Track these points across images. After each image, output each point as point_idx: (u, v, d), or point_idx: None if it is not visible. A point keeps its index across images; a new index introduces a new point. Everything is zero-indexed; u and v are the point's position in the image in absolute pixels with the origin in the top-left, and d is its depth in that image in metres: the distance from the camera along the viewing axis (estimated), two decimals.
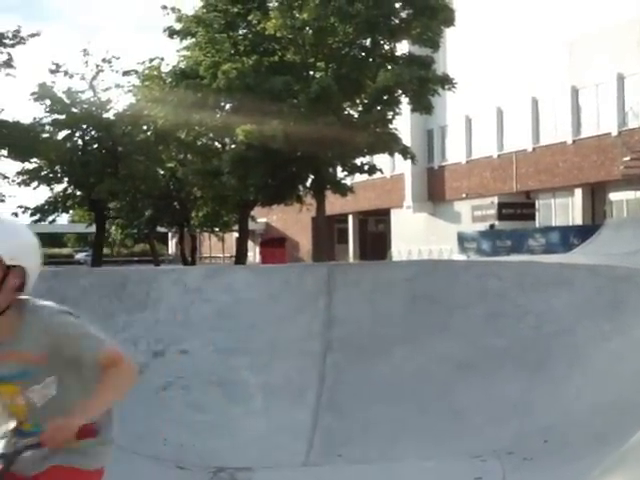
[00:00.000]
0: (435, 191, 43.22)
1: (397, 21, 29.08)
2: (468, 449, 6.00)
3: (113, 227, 42.19)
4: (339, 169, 31.96)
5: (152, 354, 7.45)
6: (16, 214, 36.29)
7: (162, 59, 35.85)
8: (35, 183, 35.01)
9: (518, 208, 37.50)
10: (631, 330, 6.70)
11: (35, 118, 33.87)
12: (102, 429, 3.02)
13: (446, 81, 29.59)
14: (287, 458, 6.23)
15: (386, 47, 30.33)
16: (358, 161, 31.16)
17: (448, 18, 28.48)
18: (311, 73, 29.84)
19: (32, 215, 35.93)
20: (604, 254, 13.98)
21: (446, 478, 5.51)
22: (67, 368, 2.88)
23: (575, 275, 7.76)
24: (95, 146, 35.61)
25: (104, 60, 35.19)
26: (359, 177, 34.16)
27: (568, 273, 7.86)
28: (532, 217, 37.14)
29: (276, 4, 29.54)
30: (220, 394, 7.07)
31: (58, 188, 36.35)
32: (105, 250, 43.93)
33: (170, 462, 6.11)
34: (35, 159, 33.22)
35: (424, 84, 28.69)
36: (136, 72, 35.86)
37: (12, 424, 2.93)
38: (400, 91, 29.02)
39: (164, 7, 30.66)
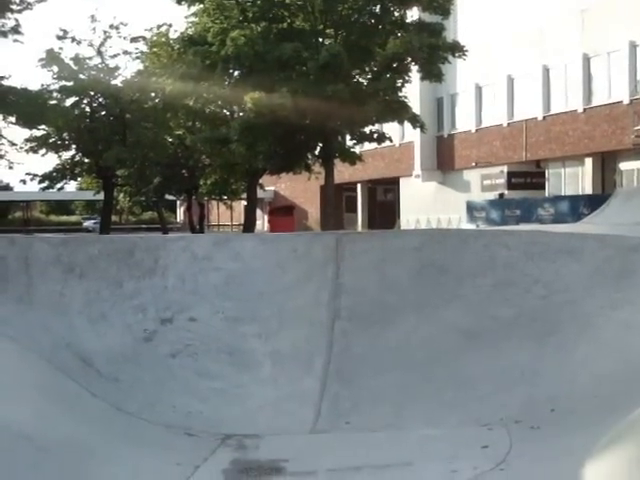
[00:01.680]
0: (444, 160, 43.05)
1: None
2: (475, 417, 6.02)
3: (121, 195, 42.21)
4: (348, 137, 31.87)
5: (160, 321, 7.47)
6: (24, 181, 36.43)
7: (170, 25, 35.70)
8: (43, 150, 35.02)
9: (528, 177, 37.37)
10: (639, 299, 6.69)
11: (43, 85, 33.82)
12: None
13: (456, 48, 29.37)
14: (295, 425, 6.26)
15: (396, 14, 30.10)
16: (367, 129, 31.06)
17: None
18: (320, 40, 29.65)
19: (40, 182, 35.99)
20: (613, 224, 13.93)
21: (453, 446, 5.53)
22: None
23: (584, 245, 7.73)
24: (103, 113, 35.53)
25: (112, 26, 35.02)
26: (368, 145, 34.08)
27: (577, 243, 7.82)
28: (542, 186, 37.01)
29: None
30: (228, 362, 7.09)
31: (66, 155, 36.38)
32: (113, 218, 44.02)
33: (179, 429, 6.15)
34: (43, 126, 33.19)
35: (434, 51, 28.51)
36: (144, 39, 35.71)
37: None
38: (410, 59, 28.84)
39: None
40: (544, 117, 36.13)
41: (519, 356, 6.64)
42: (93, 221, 62.27)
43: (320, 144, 31.03)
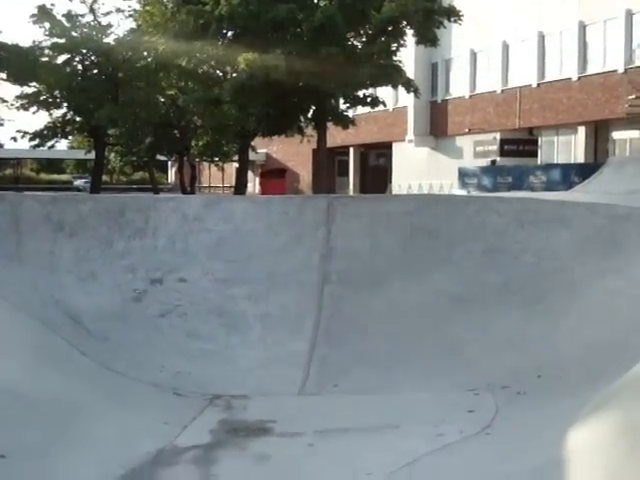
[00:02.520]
0: (437, 125, 42.91)
1: None
2: (462, 382, 6.06)
3: (112, 154, 42.01)
4: (341, 101, 31.68)
5: (150, 281, 7.48)
6: (15, 138, 36.21)
7: None
8: (34, 108, 34.79)
9: (520, 144, 37.31)
10: (629, 269, 6.72)
11: (34, 41, 33.55)
12: None
13: (452, 13, 29.14)
14: (283, 387, 6.29)
15: None
16: (361, 93, 30.89)
17: None
18: (315, 1, 29.36)
19: (31, 140, 35.80)
20: (605, 192, 13.96)
21: (440, 410, 5.58)
22: None
23: (574, 213, 7.74)
24: (95, 72, 35.26)
25: None
26: (361, 109, 33.90)
27: (568, 211, 7.84)
28: (534, 154, 36.97)
29: None
30: (218, 323, 7.12)
31: (57, 113, 36.14)
32: (104, 177, 43.85)
33: (167, 389, 6.17)
34: (34, 83, 32.93)
35: (429, 16, 28.27)
36: None
37: None
38: (405, 22, 28.61)
39: None
40: (538, 84, 35.99)
41: (507, 322, 6.68)
42: (84, 180, 61.97)
43: (313, 107, 30.86)
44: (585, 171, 26.33)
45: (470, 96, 40.37)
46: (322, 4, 28.90)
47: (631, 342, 5.60)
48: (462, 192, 30.91)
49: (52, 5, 33.77)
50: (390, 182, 45.32)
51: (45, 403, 4.85)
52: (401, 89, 31.77)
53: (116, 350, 6.58)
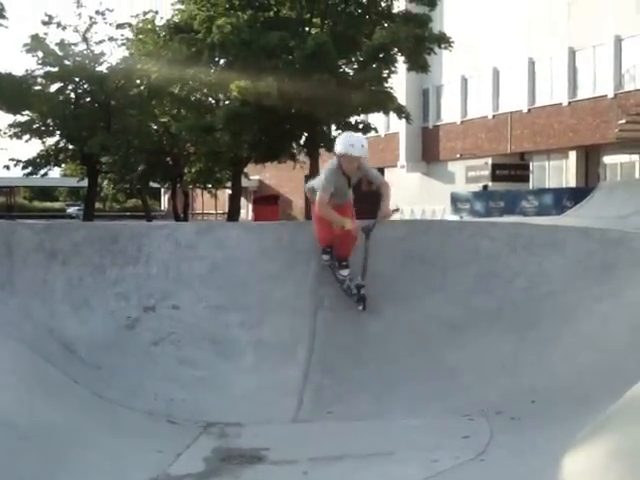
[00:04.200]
0: (429, 151, 43.11)
1: None
2: (456, 408, 6.05)
3: (105, 182, 42.02)
4: (333, 127, 31.82)
5: (143, 309, 7.46)
6: (8, 167, 36.18)
7: (156, 12, 35.55)
8: (27, 136, 34.81)
9: (512, 169, 37.49)
10: (621, 293, 6.73)
11: (27, 70, 33.57)
12: None
13: (443, 40, 29.39)
14: (277, 414, 6.27)
15: (383, 4, 30.09)
16: (352, 119, 31.05)
17: None
18: (307, 29, 29.60)
19: (24, 168, 35.76)
20: (597, 217, 14.01)
21: (434, 436, 5.56)
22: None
23: (567, 237, 7.76)
24: (88, 100, 35.32)
25: (97, 12, 34.84)
26: None
27: (560, 235, 7.86)
28: (526, 179, 37.14)
29: None
30: (211, 350, 7.09)
31: (50, 141, 36.16)
32: (97, 205, 43.84)
33: (160, 416, 6.14)
34: (27, 112, 32.99)
35: (420, 42, 28.52)
36: (130, 25, 35.54)
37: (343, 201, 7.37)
38: (396, 49, 28.84)
39: None
40: (529, 110, 36.22)
41: (501, 347, 6.68)
42: (77, 208, 61.93)
43: (305, 133, 31.00)
44: (577, 195, 26.45)
45: (461, 122, 40.60)
46: (313, 32, 29.13)
47: (625, 366, 5.60)
48: (455, 217, 30.99)
49: (45, 34, 33.90)
50: None
51: (37, 433, 4.82)
52: (393, 115, 31.98)
53: (109, 378, 6.55)
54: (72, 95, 35.33)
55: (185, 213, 42.02)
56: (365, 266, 7.19)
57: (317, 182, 7.49)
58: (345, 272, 7.40)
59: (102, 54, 35.19)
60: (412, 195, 42.27)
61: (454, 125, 41.11)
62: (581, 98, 33.50)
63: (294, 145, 32.20)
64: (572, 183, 34.14)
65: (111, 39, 35.41)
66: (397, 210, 7.46)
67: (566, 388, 5.83)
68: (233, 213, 34.60)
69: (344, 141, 7.21)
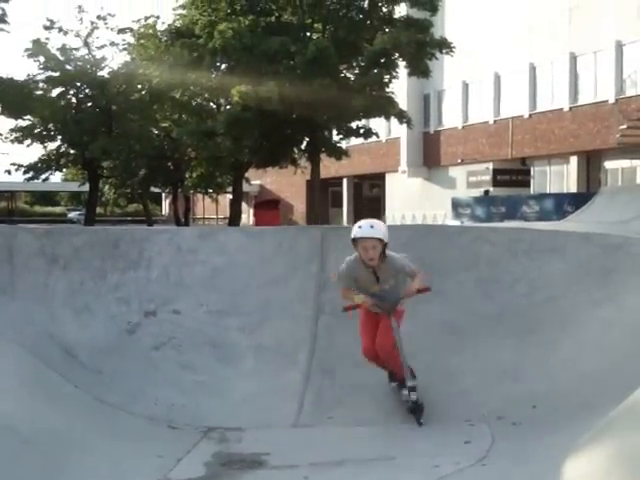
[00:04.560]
0: (430, 156, 43.11)
1: None
2: (458, 413, 6.04)
3: (106, 186, 42.02)
4: (334, 132, 31.83)
5: (144, 314, 7.46)
6: (9, 171, 36.21)
7: (158, 17, 35.55)
8: (28, 141, 34.82)
9: (513, 174, 37.47)
10: (622, 298, 6.72)
11: (29, 75, 33.58)
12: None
13: (444, 45, 29.38)
14: (278, 419, 6.26)
15: (384, 9, 30.09)
16: (354, 124, 31.05)
17: None
18: (308, 34, 29.61)
19: (25, 173, 35.77)
20: (597, 222, 13.99)
21: (435, 442, 5.55)
22: (398, 276, 6.32)
23: (567, 242, 7.76)
24: (89, 104, 35.33)
25: (99, 17, 34.85)
26: (354, 141, 34.09)
27: (561, 240, 7.86)
28: (527, 184, 37.13)
29: None
30: (212, 355, 7.09)
31: (51, 146, 36.15)
32: (98, 209, 43.82)
33: (161, 421, 6.14)
34: (28, 116, 33.00)
35: (422, 48, 28.51)
36: (131, 30, 35.54)
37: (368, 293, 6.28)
38: (397, 54, 28.83)
39: None
40: (530, 115, 36.24)
41: (501, 353, 6.67)
42: (78, 212, 61.90)
43: (306, 138, 31.01)
44: (578, 201, 26.43)
45: (463, 127, 40.61)
46: (315, 37, 29.15)
47: (626, 371, 5.60)
48: (456, 222, 30.98)
49: (47, 39, 33.93)
50: (384, 213, 45.42)
51: (38, 437, 4.82)
52: (394, 120, 31.97)
53: (110, 383, 6.55)
54: (73, 100, 35.35)
55: (186, 218, 42.01)
56: (404, 361, 6.13)
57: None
58: (405, 392, 6.17)
59: (103, 59, 35.24)
60: (413, 200, 42.28)
61: (455, 130, 41.13)
62: (582, 103, 33.51)
63: (295, 150, 32.21)
64: (573, 188, 34.13)
65: (112, 44, 35.46)
66: (427, 290, 6.26)
67: (567, 393, 5.83)
68: (234, 218, 34.61)
69: (354, 226, 6.37)
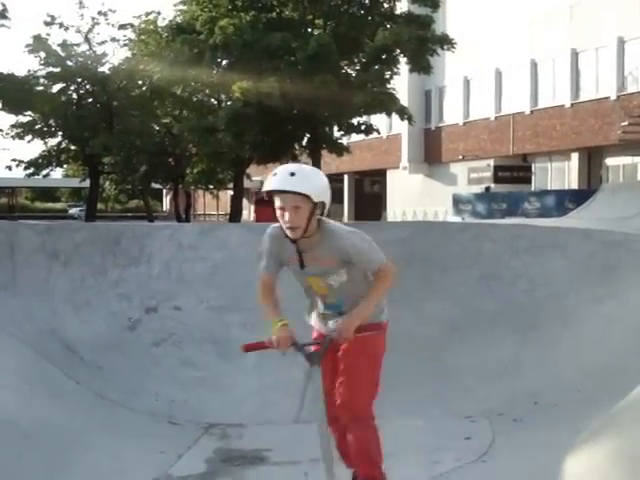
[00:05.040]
0: (431, 152, 43.07)
1: None
2: (458, 409, 6.04)
3: (107, 182, 42.02)
4: (335, 128, 31.79)
5: (145, 310, 7.46)
6: (10, 167, 36.21)
7: (159, 13, 35.52)
8: (29, 136, 34.82)
9: (514, 171, 37.42)
10: (623, 294, 6.72)
11: (29, 71, 33.55)
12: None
13: (445, 41, 29.33)
14: (278, 415, 6.26)
15: (385, 5, 30.04)
16: (355, 121, 31.00)
17: None
18: (309, 30, 29.57)
19: (26, 169, 35.76)
20: (599, 218, 13.99)
21: (436, 438, 5.55)
22: (352, 267, 4.05)
23: (569, 239, 7.76)
24: (90, 100, 35.31)
25: (100, 13, 34.81)
26: (355, 137, 34.03)
27: (562, 237, 7.86)
28: (528, 180, 37.09)
29: None
30: (213, 351, 7.09)
31: (52, 142, 36.15)
32: (99, 205, 43.84)
33: (162, 417, 6.14)
34: (29, 112, 32.99)
35: (423, 44, 28.46)
36: (132, 26, 35.52)
37: (320, 304, 4.29)
38: (398, 50, 28.78)
39: None
40: (531, 111, 36.18)
41: (503, 349, 6.67)
42: (79, 208, 61.90)
43: (307, 134, 30.97)
44: (579, 197, 26.41)
45: (464, 123, 40.57)
46: (316, 33, 29.11)
47: (627, 367, 5.60)
48: (457, 219, 30.96)
49: (47, 35, 33.91)
50: (385, 209, 45.41)
51: (39, 433, 4.82)
52: (395, 116, 31.92)
53: (111, 379, 6.55)
54: (74, 96, 35.33)
55: (187, 214, 42.00)
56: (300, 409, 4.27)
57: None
58: None
59: (104, 55, 35.21)
60: (414, 197, 42.25)
61: (456, 126, 41.08)
62: (584, 100, 33.45)
63: (296, 146, 32.17)
64: (574, 185, 34.09)
65: (113, 40, 35.44)
66: (380, 326, 4.21)
67: (568, 390, 5.83)
68: (235, 214, 34.58)
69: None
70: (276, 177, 3.86)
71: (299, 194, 3.81)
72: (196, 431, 5.92)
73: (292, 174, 3.83)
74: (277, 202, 3.92)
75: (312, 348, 4.18)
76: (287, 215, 3.89)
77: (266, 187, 3.91)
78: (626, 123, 28.59)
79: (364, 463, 4.21)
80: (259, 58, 27.59)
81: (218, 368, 6.87)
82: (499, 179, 37.04)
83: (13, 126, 34.30)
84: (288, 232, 3.95)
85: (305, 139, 31.33)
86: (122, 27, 35.38)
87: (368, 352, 4.23)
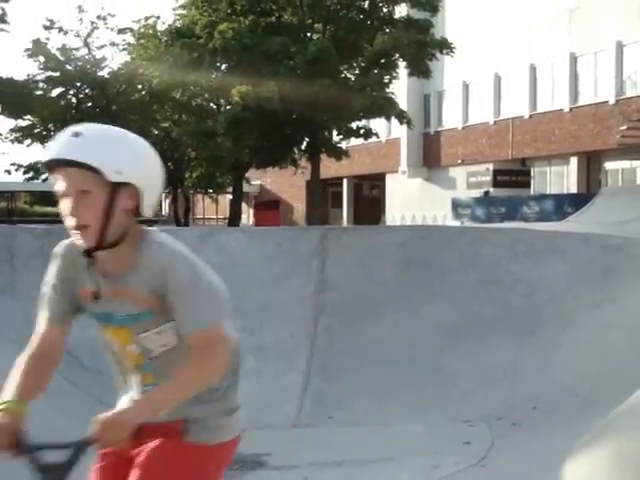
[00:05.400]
0: (430, 157, 43.09)
1: None
2: (457, 414, 6.04)
3: None
4: (334, 132, 31.84)
5: None
6: (9, 171, 36.24)
7: (158, 17, 35.60)
8: (28, 140, 34.86)
9: (513, 175, 37.45)
10: (622, 299, 6.72)
11: (29, 75, 33.64)
12: (224, 394, 2.55)
13: (444, 45, 29.39)
14: (278, 420, 6.26)
15: (384, 10, 30.11)
16: (354, 125, 31.06)
17: None
18: (308, 35, 29.62)
19: (25, 173, 35.81)
20: (598, 223, 14.00)
21: (435, 442, 5.55)
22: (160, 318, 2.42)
23: (568, 243, 7.76)
24: (89, 104, 35.36)
25: (99, 17, 34.88)
26: (354, 141, 34.09)
27: (561, 241, 7.86)
28: (527, 184, 37.11)
29: None
30: None
31: None
32: None
33: None
34: (28, 116, 33.03)
35: (422, 48, 28.52)
36: (131, 30, 35.58)
37: (133, 378, 2.56)
38: (397, 55, 28.85)
39: None
40: (530, 115, 36.21)
41: (501, 354, 6.67)
42: None
43: (307, 139, 31.01)
44: (578, 201, 26.44)
45: (463, 127, 40.60)
46: (315, 37, 29.16)
47: (626, 372, 5.60)
48: (456, 223, 30.97)
49: (47, 39, 33.98)
50: (384, 213, 45.42)
51: (38, 438, 4.81)
52: (394, 121, 31.98)
53: (111, 384, 6.52)
54: (73, 100, 35.38)
55: (186, 218, 42.03)
56: None
57: None
58: None
59: (103, 59, 35.29)
60: (413, 201, 42.25)
61: (455, 131, 41.11)
62: (582, 104, 33.49)
63: (295, 150, 32.21)
64: (573, 189, 34.11)
65: (112, 44, 35.53)
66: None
67: (567, 395, 5.83)
68: (234, 218, 34.61)
69: None
70: (55, 142, 2.35)
71: (85, 166, 2.26)
72: None
73: (76, 134, 2.29)
74: (57, 185, 2.40)
75: (54, 456, 2.32)
76: (68, 205, 2.35)
77: (44, 158, 2.39)
78: (625, 127, 28.62)
79: None
80: (258, 62, 27.63)
81: None
82: (498, 183, 37.05)
83: (12, 130, 34.35)
84: (74, 238, 2.38)
85: (304, 143, 31.37)
86: (121, 31, 35.46)
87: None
